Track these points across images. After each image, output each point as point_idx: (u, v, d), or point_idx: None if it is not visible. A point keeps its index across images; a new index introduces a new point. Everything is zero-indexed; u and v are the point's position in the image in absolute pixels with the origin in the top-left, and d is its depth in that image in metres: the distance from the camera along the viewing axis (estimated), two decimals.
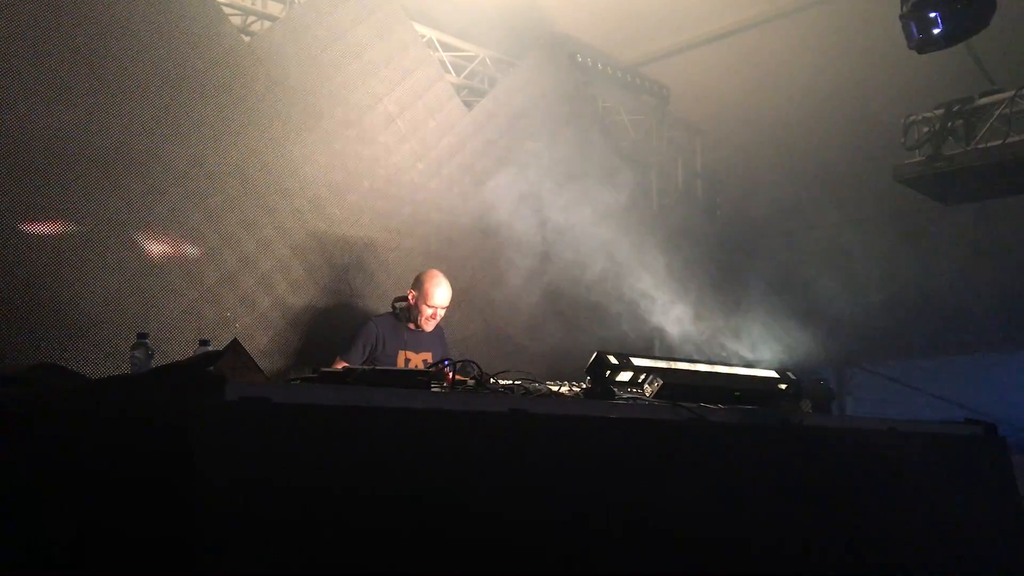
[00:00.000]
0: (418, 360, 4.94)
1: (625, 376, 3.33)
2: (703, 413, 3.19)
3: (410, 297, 4.97)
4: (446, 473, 2.39)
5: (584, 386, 3.38)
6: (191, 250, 5.05)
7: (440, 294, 4.92)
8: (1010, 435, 4.56)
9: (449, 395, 2.82)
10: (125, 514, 1.96)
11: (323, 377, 2.71)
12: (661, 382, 3.34)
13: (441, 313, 4.98)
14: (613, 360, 3.28)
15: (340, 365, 4.63)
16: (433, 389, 2.83)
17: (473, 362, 3.20)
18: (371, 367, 4.50)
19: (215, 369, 2.08)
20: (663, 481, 2.93)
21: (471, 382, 3.18)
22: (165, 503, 1.94)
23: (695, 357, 5.49)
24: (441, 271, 5.06)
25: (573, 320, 6.85)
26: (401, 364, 4.89)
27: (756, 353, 6.07)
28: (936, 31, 5.31)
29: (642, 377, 3.35)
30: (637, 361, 3.35)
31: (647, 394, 3.32)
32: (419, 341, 5.01)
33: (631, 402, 3.22)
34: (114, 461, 2.05)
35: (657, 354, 7.66)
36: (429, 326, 4.97)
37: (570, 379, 3.60)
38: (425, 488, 2.32)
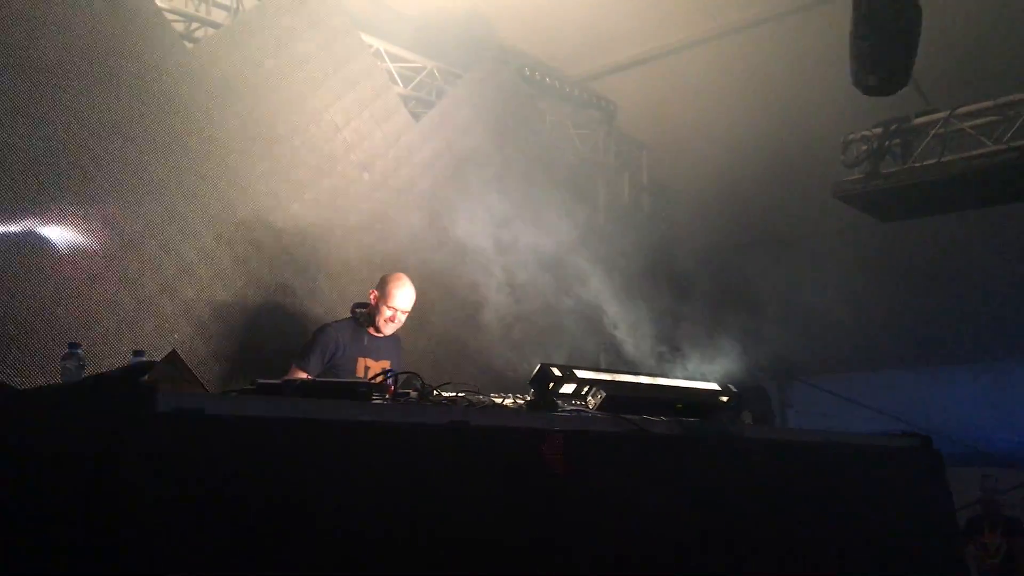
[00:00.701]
0: (378, 367, 4.75)
1: (569, 388, 3.32)
2: (645, 425, 3.20)
3: (372, 297, 4.82)
4: (385, 486, 2.35)
5: (528, 398, 3.37)
6: (129, 259, 4.94)
7: (403, 296, 4.78)
8: (945, 448, 4.66)
9: (390, 407, 2.79)
10: (52, 529, 1.90)
11: (261, 388, 2.65)
12: (604, 394, 3.33)
13: (401, 318, 4.83)
14: (556, 372, 3.27)
15: (298, 374, 4.50)
16: (375, 401, 2.80)
17: (416, 374, 3.18)
18: (328, 378, 4.51)
19: (147, 379, 2.02)
20: (605, 492, 2.93)
21: (413, 394, 3.15)
22: (94, 518, 1.88)
23: (640, 370, 5.53)
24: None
25: (520, 334, 6.84)
26: (361, 371, 4.74)
27: (700, 366, 6.13)
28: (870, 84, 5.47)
29: (585, 389, 3.35)
30: (580, 373, 3.34)
31: (590, 406, 3.32)
32: (379, 348, 4.85)
33: (574, 414, 3.22)
34: (42, 473, 1.98)
35: (603, 367, 7.73)
36: (388, 329, 4.81)
37: (515, 392, 3.59)
38: (364, 501, 2.28)
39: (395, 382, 3.05)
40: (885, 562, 3.88)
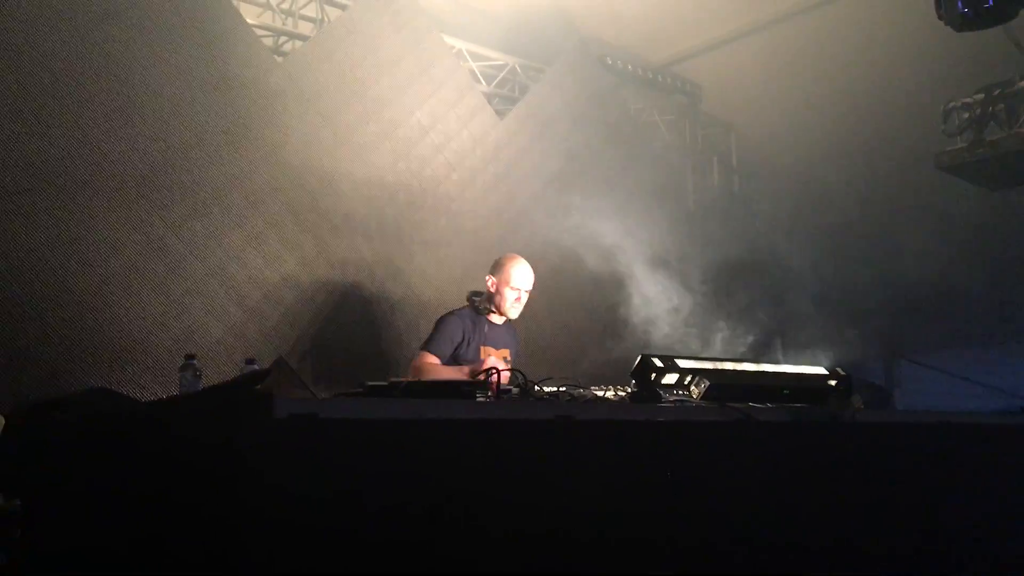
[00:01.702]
0: (498, 355, 4.61)
1: (671, 378, 3.29)
2: (752, 413, 3.15)
3: (490, 284, 4.68)
4: (494, 482, 2.38)
5: (629, 390, 3.35)
6: (234, 270, 5.11)
7: (523, 274, 4.65)
8: None
9: (495, 404, 2.82)
10: (180, 535, 1.98)
11: (370, 391, 2.72)
12: (708, 383, 3.29)
13: (525, 297, 4.68)
14: (658, 362, 3.24)
15: (429, 358, 4.46)
16: (478, 399, 2.83)
17: (518, 370, 3.19)
18: (428, 379, 4.53)
19: (262, 387, 2.09)
20: (714, 482, 2.89)
21: (516, 391, 3.17)
22: (218, 523, 1.95)
23: (743, 357, 5.44)
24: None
25: (612, 327, 6.82)
26: (483, 359, 4.54)
27: (804, 351, 5.98)
28: (987, 5, 5.11)
29: (688, 379, 3.31)
30: (682, 363, 3.30)
31: (694, 395, 3.28)
32: (499, 336, 4.74)
33: (678, 404, 3.19)
34: (168, 482, 2.08)
35: (704, 356, 7.64)
36: (514, 312, 4.67)
37: (614, 383, 3.57)
38: (473, 498, 2.31)
39: (498, 379, 3.06)
40: (1007, 546, 3.73)
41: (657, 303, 6.43)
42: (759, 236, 7.79)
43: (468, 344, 4.60)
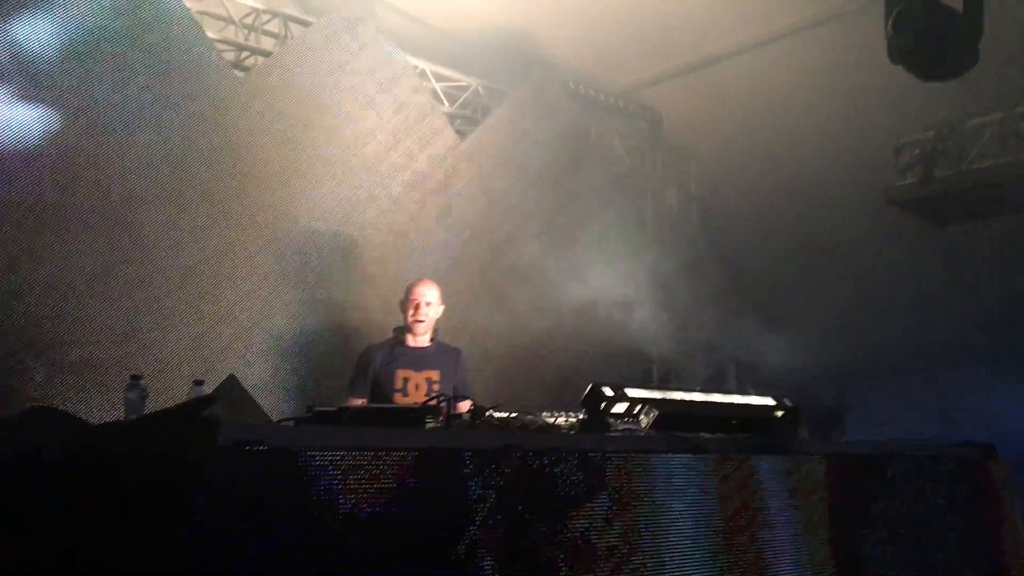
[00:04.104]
0: (420, 379, 4.71)
1: (621, 407, 3.32)
2: (698, 442, 3.19)
3: (400, 308, 4.87)
4: (444, 510, 2.38)
5: (581, 416, 3.37)
6: (189, 287, 5.07)
7: (419, 287, 4.81)
8: (1014, 455, 4.52)
9: (443, 432, 2.82)
10: (117, 563, 1.96)
11: (318, 417, 2.71)
12: (656, 412, 3.33)
13: (427, 310, 4.76)
14: (608, 392, 3.27)
15: (352, 402, 4.53)
16: (428, 425, 2.84)
17: (467, 397, 3.21)
18: (375, 397, 4.57)
19: (208, 414, 2.08)
20: (660, 511, 2.93)
21: (467, 416, 3.18)
22: (157, 552, 1.94)
23: (694, 386, 5.49)
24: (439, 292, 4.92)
25: (572, 349, 6.86)
26: (399, 383, 4.69)
27: (756, 377, 6.07)
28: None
29: (637, 408, 3.34)
30: (632, 392, 3.34)
31: (643, 425, 3.31)
32: (421, 359, 4.78)
33: (626, 433, 3.22)
34: (107, 509, 2.05)
35: (655, 381, 7.70)
36: (419, 327, 4.77)
37: (568, 409, 3.59)
38: (425, 526, 2.31)
39: (448, 405, 3.07)
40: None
41: (614, 328, 6.49)
42: (715, 263, 7.89)
43: (381, 369, 4.70)
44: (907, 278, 6.86)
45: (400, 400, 4.57)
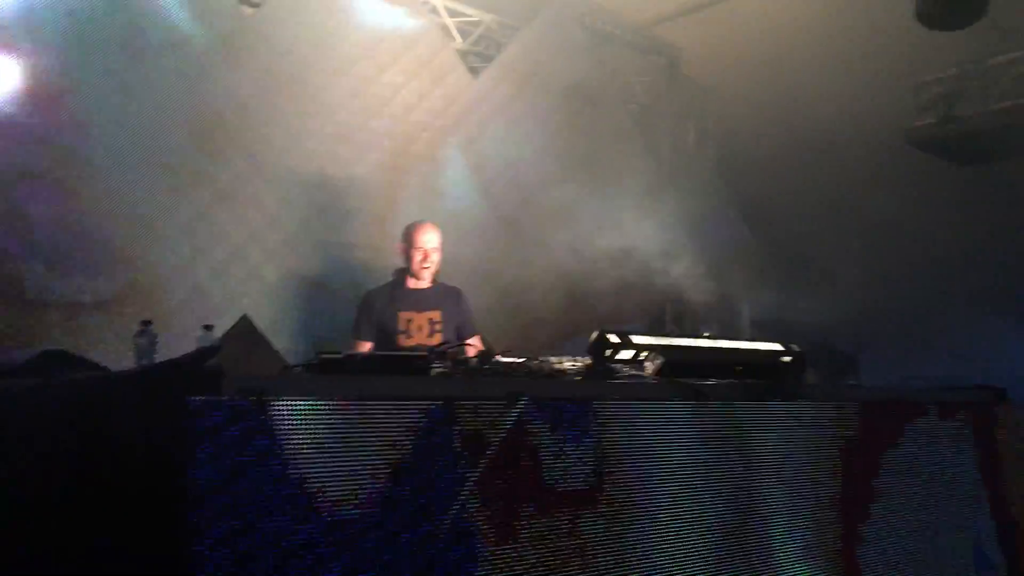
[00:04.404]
0: (422, 320, 4.72)
1: (627, 354, 3.33)
2: (701, 388, 3.21)
3: (399, 249, 4.84)
4: (446, 458, 2.42)
5: (584, 361, 3.40)
6: (199, 228, 5.09)
7: (424, 234, 4.76)
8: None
9: (448, 379, 2.84)
10: (115, 519, 2.01)
11: (323, 365, 2.74)
12: (662, 359, 3.34)
13: (434, 256, 4.76)
14: (614, 339, 3.28)
15: (359, 346, 4.62)
16: (435, 369, 2.87)
17: (480, 338, 3.21)
18: (379, 341, 4.62)
19: (212, 364, 2.11)
20: (664, 457, 2.96)
21: (474, 362, 3.20)
22: (158, 507, 1.98)
23: (707, 329, 5.49)
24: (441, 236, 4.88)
25: (583, 289, 6.85)
26: (403, 324, 4.70)
27: (770, 322, 6.05)
28: None
29: (643, 355, 3.36)
30: (637, 339, 3.35)
31: (647, 372, 3.33)
32: (423, 299, 4.78)
33: (631, 380, 3.23)
34: (111, 458, 2.09)
35: (668, 320, 7.72)
36: (424, 273, 4.76)
37: (578, 353, 3.62)
38: (429, 475, 2.35)
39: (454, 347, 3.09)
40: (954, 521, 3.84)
41: (628, 267, 6.47)
42: (731, 200, 7.83)
43: (382, 312, 4.69)
44: (924, 220, 6.78)
45: (404, 341, 4.61)
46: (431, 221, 4.86)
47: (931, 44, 6.21)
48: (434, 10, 6.73)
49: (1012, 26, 5.97)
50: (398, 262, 5.21)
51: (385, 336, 4.63)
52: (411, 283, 4.81)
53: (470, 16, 7.07)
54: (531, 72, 7.11)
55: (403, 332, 4.66)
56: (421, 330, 4.67)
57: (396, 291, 4.80)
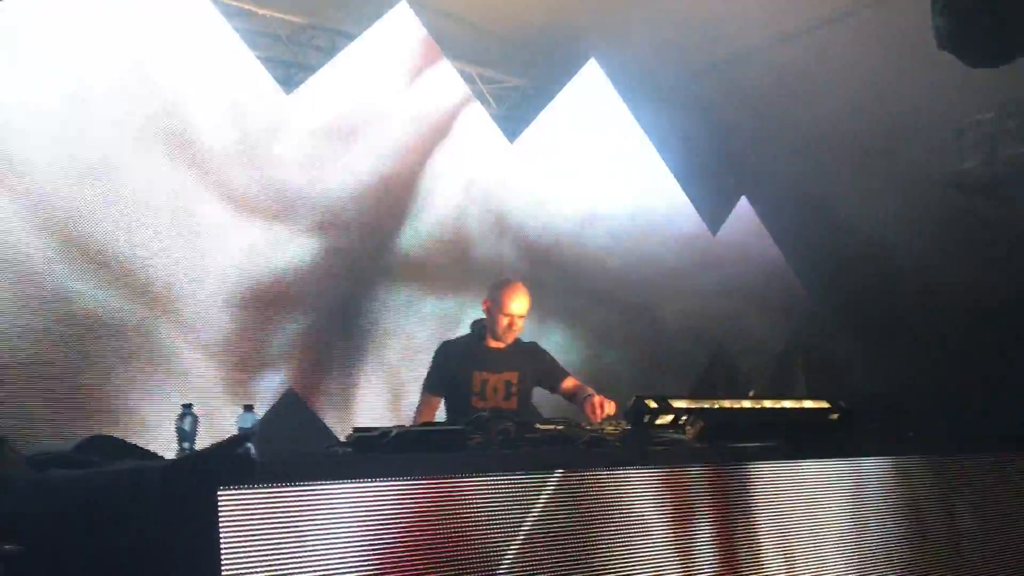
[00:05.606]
0: (498, 382, 4.47)
1: (666, 419, 3.30)
2: (744, 451, 3.16)
3: (484, 307, 4.57)
4: (488, 537, 2.41)
5: (624, 425, 3.37)
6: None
7: (515, 300, 4.49)
8: None
9: (480, 455, 2.81)
10: None
11: (359, 443, 2.75)
12: (703, 423, 3.30)
13: (519, 323, 4.51)
14: (651, 404, 3.25)
15: (423, 397, 4.56)
16: (473, 441, 2.86)
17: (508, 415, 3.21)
18: (416, 427, 4.52)
19: (243, 452, 2.14)
20: (711, 524, 2.92)
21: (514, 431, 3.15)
22: None
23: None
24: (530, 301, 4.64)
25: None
26: (477, 386, 4.45)
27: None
28: None
29: (683, 419, 3.31)
30: (676, 403, 3.31)
31: (688, 436, 3.28)
32: (501, 360, 4.53)
33: (671, 445, 3.20)
34: (144, 547, 2.12)
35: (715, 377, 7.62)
36: (509, 336, 4.51)
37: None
38: (463, 554, 2.35)
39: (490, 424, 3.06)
40: None
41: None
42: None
43: (458, 370, 4.48)
44: (969, 266, 6.58)
45: (478, 403, 4.39)
46: (522, 283, 4.61)
47: (969, 86, 6.13)
48: (470, 77, 6.83)
49: None
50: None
51: (459, 396, 4.45)
52: (491, 343, 4.57)
53: (505, 82, 7.16)
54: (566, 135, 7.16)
55: (477, 394, 4.44)
56: (497, 392, 4.45)
57: (473, 348, 4.57)
